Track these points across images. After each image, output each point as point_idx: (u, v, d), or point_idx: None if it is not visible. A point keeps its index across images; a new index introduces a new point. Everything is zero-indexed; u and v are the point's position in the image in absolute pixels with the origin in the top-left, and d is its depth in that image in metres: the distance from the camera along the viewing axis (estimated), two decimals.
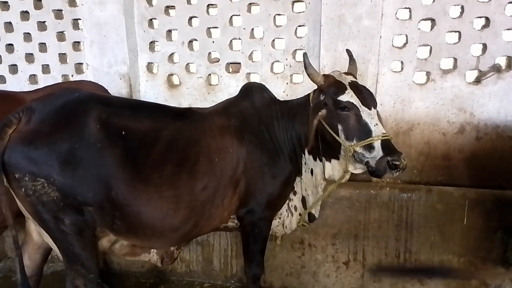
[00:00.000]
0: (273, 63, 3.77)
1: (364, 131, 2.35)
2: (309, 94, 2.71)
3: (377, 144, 2.30)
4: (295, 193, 2.87)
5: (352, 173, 2.57)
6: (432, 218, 3.33)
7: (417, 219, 3.35)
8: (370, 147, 2.32)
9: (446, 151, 3.50)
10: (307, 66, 2.50)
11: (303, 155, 2.74)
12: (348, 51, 2.80)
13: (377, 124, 2.36)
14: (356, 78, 2.60)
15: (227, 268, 3.81)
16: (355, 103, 2.38)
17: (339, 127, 2.41)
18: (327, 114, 2.46)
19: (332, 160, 2.60)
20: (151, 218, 2.37)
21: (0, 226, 2.79)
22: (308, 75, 2.53)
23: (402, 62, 3.48)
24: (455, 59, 3.38)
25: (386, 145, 2.31)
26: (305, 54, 2.52)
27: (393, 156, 2.25)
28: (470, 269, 3.33)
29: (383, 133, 2.33)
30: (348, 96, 2.39)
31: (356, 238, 3.49)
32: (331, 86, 2.47)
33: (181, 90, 4.00)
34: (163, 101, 4.01)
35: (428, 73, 3.47)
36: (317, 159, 2.69)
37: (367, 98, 2.44)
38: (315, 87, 2.59)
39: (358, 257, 3.53)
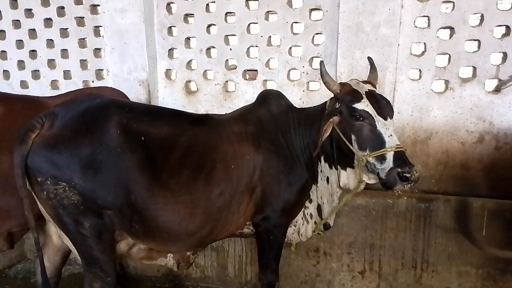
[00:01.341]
0: (290, 71, 3.79)
1: (377, 142, 2.32)
2: (326, 102, 2.71)
3: (389, 156, 2.28)
4: (310, 201, 2.86)
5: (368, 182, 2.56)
6: (450, 229, 3.27)
7: (435, 229, 3.31)
8: (382, 158, 2.30)
9: (464, 161, 3.45)
10: (323, 74, 2.49)
11: (319, 163, 2.74)
12: (369, 58, 2.78)
13: (391, 135, 2.33)
14: (375, 87, 2.58)
15: (242, 275, 3.81)
16: (370, 112, 2.36)
17: (353, 136, 2.40)
18: (341, 121, 2.44)
19: (348, 169, 2.59)
20: (168, 222, 2.40)
21: (22, 228, 2.85)
22: (324, 83, 2.52)
23: (420, 70, 3.46)
24: (475, 68, 3.34)
25: (398, 157, 2.28)
26: (321, 62, 2.52)
27: (404, 168, 2.22)
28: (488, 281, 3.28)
29: (397, 145, 2.30)
30: (364, 105, 2.37)
31: (372, 248, 3.46)
32: (347, 94, 2.45)
33: (199, 96, 4.05)
34: (181, 107, 4.05)
35: (446, 82, 3.43)
36: (333, 167, 2.69)
37: (384, 108, 2.41)
38: (332, 95, 2.59)
39: (374, 267, 3.49)
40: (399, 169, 2.22)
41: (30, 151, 2.18)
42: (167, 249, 2.72)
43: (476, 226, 3.22)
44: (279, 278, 2.96)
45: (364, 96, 2.41)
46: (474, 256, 3.27)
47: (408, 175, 2.21)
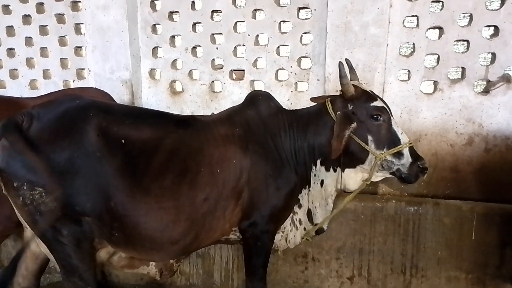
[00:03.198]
0: (277, 71, 3.73)
1: (393, 139, 2.49)
2: (321, 103, 2.68)
3: (406, 152, 2.49)
4: (300, 206, 2.79)
5: None
6: (439, 233, 3.24)
7: (424, 234, 3.27)
8: (399, 155, 2.48)
9: (454, 163, 3.42)
10: (343, 76, 2.49)
11: (313, 167, 2.69)
12: (347, 60, 2.74)
13: (402, 132, 2.53)
14: None
15: (228, 282, 3.71)
16: (387, 109, 2.52)
17: (369, 136, 2.50)
18: (357, 124, 2.49)
19: (346, 170, 2.65)
20: (150, 229, 2.32)
21: (0, 235, 2.79)
22: (342, 84, 2.52)
23: (409, 71, 3.42)
24: (464, 69, 3.31)
25: (413, 151, 2.52)
26: (341, 63, 2.49)
27: (422, 161, 2.49)
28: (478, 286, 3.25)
29: (409, 141, 2.52)
30: (381, 103, 2.53)
31: (361, 253, 3.40)
32: (362, 95, 2.54)
33: (184, 97, 3.96)
34: (165, 108, 3.97)
35: (435, 83, 3.40)
36: (330, 170, 2.67)
37: (388, 107, 2.58)
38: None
39: (363, 272, 3.44)
40: (419, 163, 2.47)
41: (7, 154, 2.10)
42: (149, 257, 2.64)
43: (466, 230, 3.20)
44: (266, 285, 2.88)
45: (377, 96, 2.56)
46: (464, 261, 3.24)
47: (426, 165, 2.48)
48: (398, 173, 2.52)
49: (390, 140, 2.48)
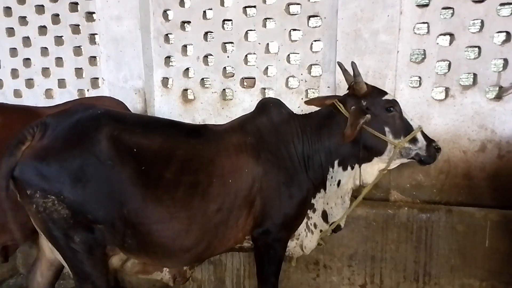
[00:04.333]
0: (288, 78, 3.74)
1: (407, 127, 2.62)
2: (331, 105, 2.69)
3: (419, 136, 2.63)
4: (314, 211, 2.76)
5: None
6: (452, 240, 3.20)
7: (437, 241, 3.23)
8: (415, 140, 2.62)
9: (467, 170, 3.38)
10: (357, 74, 2.55)
11: (330, 169, 2.69)
12: (339, 63, 2.74)
13: (412, 119, 2.67)
14: None
15: None
16: (397, 100, 2.66)
17: (386, 128, 2.59)
18: (372, 118, 2.55)
19: (363, 165, 2.69)
20: (162, 237, 2.32)
21: (16, 242, 2.80)
22: (357, 83, 2.59)
23: (420, 78, 3.40)
24: (475, 75, 3.29)
25: (425, 135, 2.68)
26: (354, 64, 2.54)
27: (435, 142, 2.68)
28: None
29: (419, 125, 2.66)
30: (392, 96, 2.69)
31: (373, 260, 3.37)
32: (373, 90, 2.66)
33: (196, 105, 3.99)
34: (177, 116, 4.00)
35: (447, 89, 3.38)
36: (348, 168, 2.69)
37: None
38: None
39: (375, 280, 3.41)
40: (433, 144, 2.65)
41: (21, 163, 2.11)
42: (162, 264, 2.65)
43: (479, 237, 3.15)
44: None
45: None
46: (478, 268, 3.19)
47: (439, 146, 2.68)
48: (417, 157, 2.65)
49: (405, 128, 2.61)
